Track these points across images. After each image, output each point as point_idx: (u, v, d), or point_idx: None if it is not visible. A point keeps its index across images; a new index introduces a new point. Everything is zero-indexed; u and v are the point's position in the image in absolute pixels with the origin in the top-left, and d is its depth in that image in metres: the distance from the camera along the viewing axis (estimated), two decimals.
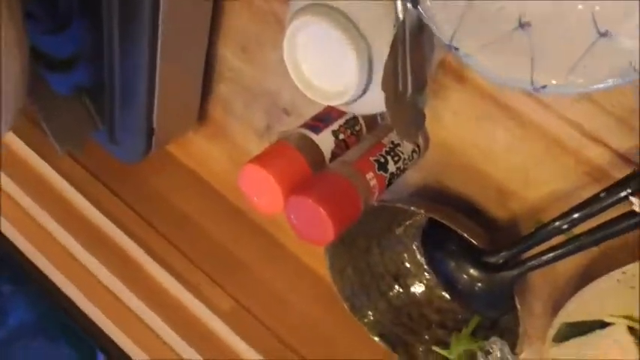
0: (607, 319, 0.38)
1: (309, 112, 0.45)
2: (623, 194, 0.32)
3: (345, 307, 0.49)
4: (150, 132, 0.52)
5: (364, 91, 0.36)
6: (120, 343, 0.57)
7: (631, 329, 0.38)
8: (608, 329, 0.38)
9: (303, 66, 0.37)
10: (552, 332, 0.39)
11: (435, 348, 0.45)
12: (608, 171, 0.37)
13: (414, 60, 0.34)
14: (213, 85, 0.55)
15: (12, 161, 0.60)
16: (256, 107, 0.53)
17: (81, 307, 0.59)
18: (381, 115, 0.44)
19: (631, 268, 0.34)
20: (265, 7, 0.47)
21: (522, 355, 0.42)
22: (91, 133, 0.53)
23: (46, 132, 0.51)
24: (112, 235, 0.58)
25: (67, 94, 0.51)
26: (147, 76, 0.47)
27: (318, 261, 0.55)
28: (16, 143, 0.60)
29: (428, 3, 0.32)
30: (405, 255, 0.49)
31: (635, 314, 0.38)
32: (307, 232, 0.38)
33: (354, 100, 0.37)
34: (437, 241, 0.42)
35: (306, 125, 0.42)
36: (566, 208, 0.38)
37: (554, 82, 0.30)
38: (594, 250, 0.39)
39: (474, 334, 0.45)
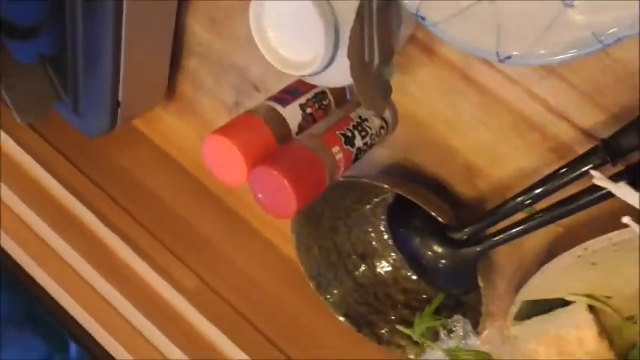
0: (568, 298, 0.38)
1: (278, 88, 0.45)
2: (583, 169, 0.31)
3: (311, 285, 0.48)
4: (115, 105, 0.50)
5: (331, 62, 0.35)
6: (85, 325, 0.56)
7: (591, 307, 0.38)
8: (569, 307, 0.39)
9: (271, 36, 0.36)
10: (514, 310, 0.39)
11: (398, 327, 0.45)
12: (573, 147, 0.37)
13: (381, 30, 0.34)
14: (182, 60, 0.54)
15: None
16: (226, 83, 0.52)
17: (46, 288, 0.57)
18: (350, 90, 0.44)
19: (592, 243, 0.34)
20: None
21: (485, 333, 0.42)
22: (54, 104, 0.52)
23: (7, 101, 0.50)
24: (76, 212, 0.56)
25: (29, 62, 0.50)
26: (111, 46, 0.45)
27: (283, 239, 0.54)
28: None
29: None
30: (373, 234, 0.49)
31: (597, 292, 0.38)
32: (270, 204, 0.38)
33: (321, 71, 0.36)
34: (403, 217, 0.41)
35: (273, 98, 0.42)
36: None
37: (518, 52, 0.30)
38: (559, 227, 0.40)
39: (438, 313, 0.45)
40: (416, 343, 0.45)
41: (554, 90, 0.36)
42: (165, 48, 0.51)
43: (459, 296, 0.42)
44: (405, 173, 0.45)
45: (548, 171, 0.38)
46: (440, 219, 0.38)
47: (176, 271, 0.55)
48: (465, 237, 0.37)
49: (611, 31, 0.27)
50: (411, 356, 0.45)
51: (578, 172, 0.32)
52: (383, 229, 0.47)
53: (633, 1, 0.27)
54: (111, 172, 0.59)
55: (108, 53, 0.46)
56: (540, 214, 0.34)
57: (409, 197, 0.39)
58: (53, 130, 0.59)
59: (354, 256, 0.49)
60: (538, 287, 0.37)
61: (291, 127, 0.41)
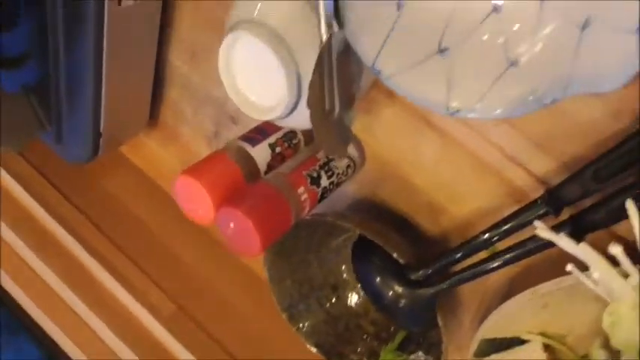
0: (524, 336, 0.39)
1: (254, 122, 0.46)
2: (529, 219, 0.33)
3: (284, 317, 0.49)
4: (97, 135, 0.52)
5: (295, 107, 0.37)
6: (63, 347, 0.57)
7: (546, 346, 0.39)
8: (525, 346, 0.40)
9: (238, 81, 0.38)
10: (473, 348, 0.40)
11: (364, 359, 0.46)
12: (527, 193, 0.38)
13: (341, 78, 0.35)
14: (164, 90, 0.55)
15: None
16: (205, 114, 0.54)
17: (26, 309, 0.59)
18: None
19: (540, 287, 0.35)
20: (211, 14, 0.47)
21: None
22: (37, 133, 0.53)
23: None
24: (58, 235, 0.58)
25: (13, 92, 0.51)
26: (93, 78, 0.47)
27: (261, 266, 0.56)
28: None
29: (352, 27, 0.33)
30: (344, 267, 0.50)
31: (550, 331, 0.39)
32: (237, 243, 0.39)
33: (286, 116, 0.37)
34: (366, 255, 0.43)
35: (244, 137, 0.43)
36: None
37: (466, 106, 0.32)
38: (518, 267, 0.41)
39: (405, 347, 0.46)
40: None
41: (507, 137, 0.37)
42: (146, 79, 0.53)
43: (421, 333, 0.43)
44: (373, 209, 0.46)
45: (506, 212, 0.39)
46: (399, 259, 0.39)
47: (154, 297, 0.56)
48: (423, 277, 0.38)
49: (547, 91, 0.29)
50: None
51: (524, 222, 0.33)
52: (354, 265, 0.49)
53: (564, 66, 0.28)
54: (95, 197, 0.61)
55: (89, 85, 0.48)
56: (495, 258, 0.35)
57: (371, 237, 0.40)
58: (38, 155, 0.60)
59: (325, 288, 0.50)
60: (493, 327, 0.38)
61: (260, 166, 0.42)
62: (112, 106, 0.50)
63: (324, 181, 0.42)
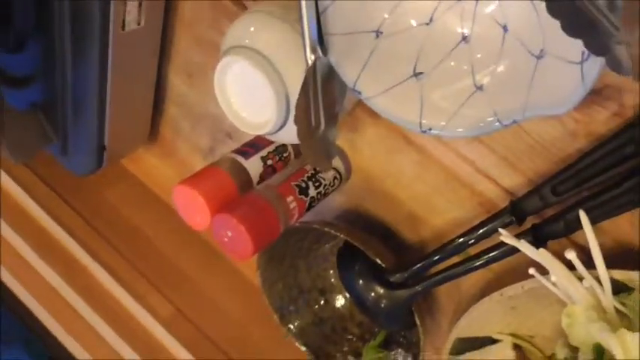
0: (495, 336, 0.43)
1: (249, 137, 0.50)
2: (495, 227, 0.36)
3: (275, 317, 0.53)
4: (101, 149, 0.55)
5: (283, 124, 0.40)
6: (69, 348, 0.60)
7: (516, 346, 0.43)
8: (496, 345, 0.43)
9: (232, 99, 0.41)
10: (448, 346, 0.43)
11: (349, 358, 0.49)
12: (497, 203, 0.41)
13: (326, 98, 0.39)
14: (163, 107, 0.59)
15: None
16: (202, 130, 0.57)
17: (36, 315, 0.62)
18: None
19: (507, 290, 0.38)
20: (207, 36, 0.51)
21: None
22: (45, 146, 0.57)
23: (2, 143, 0.55)
24: (63, 242, 0.61)
25: (22, 109, 0.55)
26: (97, 98, 0.51)
27: (254, 272, 0.59)
28: None
29: (335, 52, 0.37)
30: (331, 271, 0.53)
31: (520, 332, 0.42)
32: (231, 247, 0.42)
33: (276, 132, 0.41)
34: (351, 261, 0.46)
35: (238, 150, 0.47)
36: None
37: (437, 126, 0.35)
38: (490, 272, 0.44)
39: (387, 347, 0.49)
40: None
41: (478, 153, 0.40)
42: (147, 97, 0.56)
43: (401, 333, 0.47)
44: (358, 218, 0.50)
45: (477, 222, 0.43)
46: (381, 263, 0.42)
47: (153, 300, 0.59)
48: (401, 280, 0.42)
49: (507, 113, 0.32)
50: None
51: (492, 229, 0.37)
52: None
53: (522, 91, 0.32)
54: (97, 206, 0.64)
55: (94, 102, 0.51)
56: (463, 263, 0.39)
57: (354, 242, 0.43)
58: (45, 166, 0.64)
59: (313, 292, 0.54)
60: (467, 327, 0.42)
61: (252, 177, 0.45)
62: (115, 122, 0.54)
63: (312, 191, 0.45)
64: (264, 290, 0.52)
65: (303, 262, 0.53)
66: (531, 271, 0.36)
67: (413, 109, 0.36)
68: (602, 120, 0.34)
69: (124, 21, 0.47)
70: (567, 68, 0.30)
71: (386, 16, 0.37)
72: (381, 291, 0.43)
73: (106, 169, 0.58)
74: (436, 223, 0.45)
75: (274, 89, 0.38)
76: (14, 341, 0.69)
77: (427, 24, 0.36)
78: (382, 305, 0.43)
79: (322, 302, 0.54)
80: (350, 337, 0.52)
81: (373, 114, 0.44)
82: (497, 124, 0.33)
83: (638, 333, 0.32)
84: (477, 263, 0.38)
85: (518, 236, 0.36)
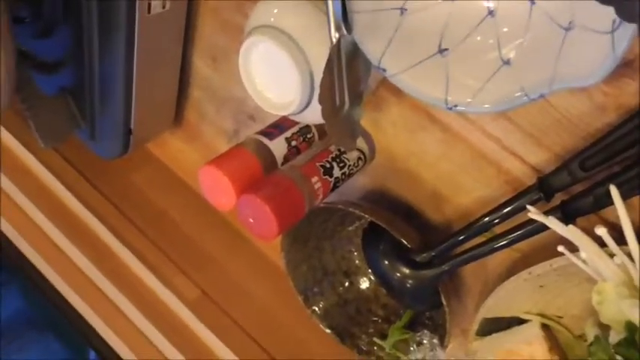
0: (523, 317, 0.42)
1: (273, 118, 0.50)
2: (522, 204, 0.36)
3: (299, 299, 0.53)
4: (127, 132, 0.56)
5: (308, 104, 0.40)
6: (98, 330, 0.62)
7: (544, 326, 0.42)
8: (524, 325, 0.42)
9: (256, 79, 0.42)
10: (475, 327, 0.43)
11: (375, 339, 0.49)
12: (523, 181, 0.41)
13: (351, 77, 0.39)
14: (188, 91, 0.59)
15: (6, 157, 0.64)
16: (226, 113, 0.58)
17: (66, 297, 0.63)
18: None
19: (535, 268, 0.38)
20: (231, 20, 0.51)
21: (450, 347, 0.46)
22: (73, 130, 0.58)
23: (32, 128, 0.56)
24: (91, 225, 0.62)
25: (52, 94, 0.56)
26: (124, 82, 0.51)
27: (279, 254, 0.59)
28: (4, 136, 0.65)
29: (359, 30, 0.37)
30: (355, 253, 0.53)
31: (548, 311, 0.42)
32: (256, 227, 0.43)
33: (300, 111, 0.41)
34: (376, 241, 0.46)
35: (262, 132, 0.47)
36: None
37: (463, 102, 0.35)
38: (517, 252, 0.44)
39: (413, 328, 0.49)
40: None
41: (504, 130, 0.40)
42: (172, 81, 0.57)
43: (427, 312, 0.47)
44: (382, 199, 0.49)
45: (504, 200, 0.42)
46: (406, 243, 0.42)
47: (180, 283, 0.60)
48: (427, 260, 0.42)
49: (534, 87, 0.32)
50: None
51: (519, 207, 0.36)
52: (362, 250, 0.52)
53: (550, 64, 0.31)
54: (124, 190, 0.65)
55: (121, 86, 0.52)
56: (490, 242, 0.38)
57: (379, 223, 0.43)
58: (73, 150, 0.65)
59: (338, 274, 0.54)
60: (493, 307, 0.41)
61: (277, 158, 0.46)
62: (141, 106, 0.54)
63: (337, 172, 0.45)
64: (288, 272, 0.52)
65: (328, 243, 0.53)
66: (560, 248, 0.35)
67: (438, 85, 0.36)
68: (632, 92, 0.33)
69: (149, 4, 0.47)
70: (597, 39, 0.29)
71: None
72: (407, 271, 0.43)
73: (132, 153, 0.59)
74: (461, 202, 0.45)
75: (299, 68, 0.39)
76: (45, 329, 0.70)
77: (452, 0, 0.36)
78: (408, 285, 0.43)
79: (347, 284, 0.54)
80: (375, 318, 0.52)
81: (397, 92, 0.44)
82: (524, 98, 0.32)
83: None
84: (505, 241, 0.38)
85: (546, 213, 0.36)
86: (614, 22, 0.28)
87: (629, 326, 0.34)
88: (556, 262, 0.37)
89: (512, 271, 0.45)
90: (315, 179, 0.44)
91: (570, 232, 0.35)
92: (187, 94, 0.59)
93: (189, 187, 0.65)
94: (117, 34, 0.48)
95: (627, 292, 0.33)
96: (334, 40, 0.36)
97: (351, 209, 0.45)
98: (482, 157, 0.42)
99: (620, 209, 0.33)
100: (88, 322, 0.62)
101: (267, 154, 0.45)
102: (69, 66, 0.54)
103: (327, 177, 0.44)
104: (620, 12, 0.25)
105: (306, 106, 0.40)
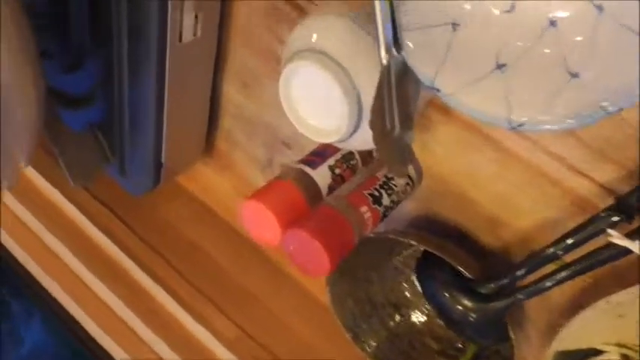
0: (600, 347, 0.39)
1: (310, 146, 0.47)
2: (601, 227, 0.33)
3: (348, 336, 0.50)
4: (158, 166, 0.54)
5: (355, 130, 0.38)
6: None
7: (624, 356, 0.39)
8: (601, 357, 0.39)
9: (298, 106, 0.39)
10: None
11: None
12: (592, 200, 0.38)
13: (400, 99, 0.36)
14: (218, 120, 0.57)
15: (28, 191, 0.62)
16: (258, 140, 0.55)
17: (92, 334, 0.61)
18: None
19: (615, 297, 0.34)
20: (263, 45, 0.49)
21: None
22: (103, 166, 0.56)
23: (61, 165, 0.54)
24: (123, 264, 0.60)
25: (80, 130, 0.54)
26: (155, 113, 0.49)
27: (321, 289, 0.56)
28: (32, 174, 0.63)
29: (410, 49, 0.34)
30: (405, 285, 0.50)
31: (628, 341, 0.39)
32: (305, 264, 0.40)
33: (347, 138, 0.39)
34: (432, 271, 0.43)
35: (303, 160, 0.44)
36: (555, 237, 0.40)
37: (528, 120, 0.32)
38: (587, 278, 0.41)
39: None
40: None
41: (568, 147, 0.37)
42: (203, 111, 0.55)
43: (491, 347, 0.43)
44: (431, 225, 0.47)
45: (570, 223, 0.39)
46: (467, 274, 0.39)
47: (217, 322, 0.58)
48: (493, 291, 0.39)
49: (612, 100, 0.29)
50: None
51: (594, 232, 0.33)
52: (417, 283, 0.49)
53: (627, 73, 0.28)
54: (155, 225, 0.63)
55: (152, 118, 0.50)
56: (566, 268, 0.35)
57: (437, 253, 0.40)
58: (101, 186, 0.63)
59: (387, 307, 0.51)
60: (568, 339, 0.38)
61: (322, 188, 0.43)
62: (172, 137, 0.52)
63: (386, 200, 0.42)
64: (334, 307, 0.49)
65: (375, 275, 0.50)
66: None
67: (499, 103, 0.33)
68: None
69: (180, 33, 0.45)
70: None
71: (462, 6, 0.34)
72: (470, 303, 0.40)
73: (162, 185, 0.57)
74: (521, 226, 0.42)
75: (345, 92, 0.36)
76: None
77: (508, 11, 0.34)
78: (472, 318, 0.40)
79: (397, 318, 0.51)
80: (430, 353, 0.49)
81: (446, 112, 0.42)
82: (601, 112, 0.30)
83: None
84: (579, 268, 0.35)
85: (628, 236, 0.33)
86: None
87: None
88: (637, 289, 0.34)
89: (580, 299, 0.41)
90: (364, 209, 0.41)
91: None
92: (217, 122, 0.58)
93: (222, 219, 0.63)
94: (148, 64, 0.46)
95: None
96: (384, 62, 0.34)
97: (403, 239, 0.42)
98: (543, 176, 0.39)
99: None
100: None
101: (310, 184, 0.43)
102: (97, 99, 0.53)
103: (376, 206, 0.42)
104: None
105: (354, 132, 0.38)
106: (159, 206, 0.63)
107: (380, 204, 0.42)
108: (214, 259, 0.61)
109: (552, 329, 0.44)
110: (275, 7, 0.46)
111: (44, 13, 0.47)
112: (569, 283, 0.41)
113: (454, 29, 0.34)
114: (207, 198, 0.64)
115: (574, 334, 0.37)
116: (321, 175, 0.43)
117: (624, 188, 0.36)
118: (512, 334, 0.39)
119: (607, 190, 0.37)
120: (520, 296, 0.37)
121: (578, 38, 0.32)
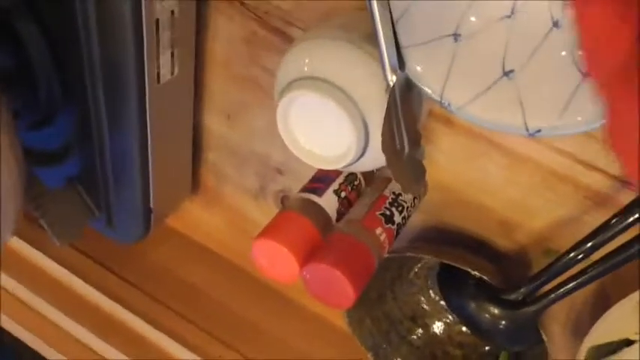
0: (632, 337, 0.39)
1: (303, 170, 0.46)
2: (631, 220, 0.32)
3: (370, 357, 0.49)
4: (148, 213, 0.51)
5: (363, 153, 0.37)
6: None
7: None
8: (635, 346, 0.39)
9: (300, 138, 0.38)
10: (581, 357, 0.40)
11: None
12: (608, 194, 0.38)
13: (407, 117, 0.35)
14: (202, 154, 0.55)
15: (13, 260, 0.59)
16: (248, 170, 0.54)
17: None
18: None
19: None
20: (244, 73, 0.48)
21: None
22: (88, 221, 0.53)
23: (44, 227, 0.51)
24: (123, 319, 0.57)
25: (58, 186, 0.51)
26: (139, 160, 0.47)
27: (332, 311, 0.55)
28: (15, 242, 0.59)
29: (413, 65, 0.33)
30: (420, 296, 0.49)
31: None
32: (327, 297, 0.39)
33: (355, 162, 0.37)
34: (452, 282, 0.42)
35: (307, 189, 0.43)
36: (572, 234, 0.39)
37: (546, 125, 0.32)
38: None
39: None
40: None
41: (578, 144, 0.37)
42: (187, 147, 0.53)
43: (522, 352, 0.43)
44: (440, 235, 0.46)
45: (586, 218, 0.39)
46: (492, 282, 0.39)
47: (226, 358, 0.55)
48: (521, 297, 0.38)
49: None
50: None
51: (626, 223, 0.33)
52: (432, 292, 0.48)
53: None
54: (148, 272, 0.60)
55: (136, 164, 0.47)
56: (594, 267, 0.35)
57: (457, 265, 0.40)
58: (85, 240, 0.59)
59: (405, 321, 0.50)
60: (602, 334, 0.38)
61: (331, 214, 0.42)
62: (159, 181, 0.50)
63: (397, 218, 0.41)
64: (352, 329, 0.48)
65: (389, 291, 0.49)
66: None
67: (513, 111, 0.32)
68: None
69: (158, 74, 0.43)
70: None
71: (461, 16, 0.33)
72: (497, 311, 0.39)
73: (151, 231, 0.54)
74: (535, 226, 0.42)
75: (350, 116, 0.35)
76: None
77: (509, 16, 0.33)
78: (501, 326, 0.39)
79: (416, 330, 0.50)
80: None
81: (448, 121, 0.41)
82: None
83: None
84: (607, 267, 0.34)
85: None
86: None
87: None
88: None
89: (601, 289, 0.42)
90: (379, 231, 0.40)
91: None
92: (202, 157, 0.55)
93: (216, 255, 0.60)
94: (127, 112, 0.44)
95: None
96: (391, 84, 0.33)
97: (421, 255, 0.41)
98: (554, 175, 0.39)
99: None
100: None
101: (319, 213, 0.41)
102: (74, 152, 0.50)
103: (389, 225, 0.41)
104: None
105: (362, 155, 0.37)
106: (149, 252, 0.60)
107: (392, 222, 0.41)
108: (215, 297, 0.58)
109: (574, 322, 0.44)
110: (254, 34, 0.45)
111: (5, 70, 0.44)
112: None
113: (456, 40, 0.34)
114: (198, 235, 0.61)
115: (609, 328, 0.37)
116: (328, 202, 0.42)
117: None
118: (545, 337, 0.39)
119: (622, 182, 0.37)
120: (552, 299, 0.36)
121: None
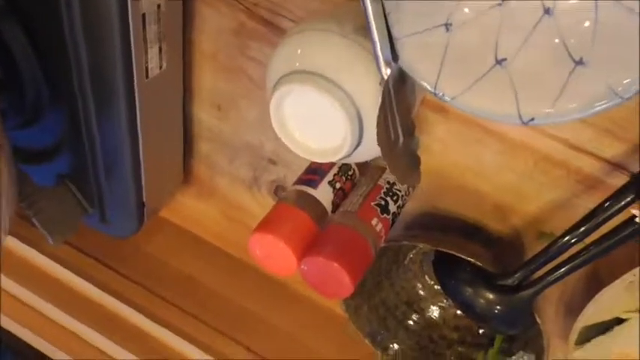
0: (622, 316, 0.40)
1: (296, 159, 0.46)
2: (624, 202, 0.33)
3: (368, 342, 0.49)
4: (141, 206, 0.51)
5: (358, 145, 0.37)
6: None
7: None
8: (625, 324, 0.40)
9: (295, 132, 0.37)
10: (574, 337, 0.40)
11: None
12: (599, 177, 0.38)
13: (401, 109, 0.35)
14: (194, 146, 0.55)
15: (8, 259, 0.58)
16: (240, 161, 0.53)
17: None
18: None
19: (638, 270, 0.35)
20: (233, 64, 0.47)
21: None
22: (81, 218, 0.52)
23: (37, 225, 0.50)
24: (122, 313, 0.57)
25: (50, 184, 0.51)
26: (130, 155, 0.47)
27: (331, 302, 0.55)
28: (9, 240, 0.59)
29: (406, 57, 0.33)
30: (416, 282, 0.50)
31: None
32: (326, 288, 0.39)
33: (351, 154, 0.37)
34: (447, 267, 0.43)
35: (301, 181, 0.43)
36: (565, 216, 0.40)
37: (541, 113, 0.32)
38: None
39: (503, 349, 0.46)
40: None
41: (571, 129, 0.37)
42: (177, 140, 0.52)
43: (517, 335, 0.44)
44: (434, 220, 0.46)
45: (578, 201, 0.40)
46: (487, 268, 0.39)
47: (227, 349, 0.56)
48: (516, 282, 0.39)
49: (624, 84, 0.29)
50: None
51: (619, 207, 0.33)
52: (427, 277, 0.49)
53: (635, 55, 0.28)
54: (145, 265, 0.60)
55: (128, 159, 0.47)
56: (588, 250, 0.36)
57: (452, 252, 0.40)
58: (79, 237, 0.59)
59: (401, 306, 0.50)
60: (594, 314, 0.39)
61: (326, 206, 0.42)
62: (150, 175, 0.50)
63: (392, 207, 0.42)
64: (349, 317, 0.49)
65: (385, 278, 0.49)
66: None
67: (506, 100, 0.32)
68: None
69: (147, 68, 0.42)
70: None
71: (452, 5, 0.33)
72: (493, 297, 0.40)
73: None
74: (529, 210, 0.42)
75: (344, 109, 0.35)
76: None
77: (499, 4, 0.33)
78: (496, 311, 0.40)
79: (412, 315, 0.50)
80: (450, 343, 0.49)
81: (441, 109, 0.41)
82: (617, 99, 0.29)
83: None
84: (601, 249, 0.35)
85: None
86: None
87: None
88: None
89: (594, 271, 0.42)
90: (374, 221, 0.40)
91: None
92: (193, 149, 0.55)
93: (211, 245, 0.60)
94: (117, 108, 0.43)
95: None
96: (385, 76, 0.33)
97: (418, 243, 0.42)
98: (547, 159, 0.39)
99: None
100: None
101: (314, 205, 0.41)
102: (64, 149, 0.49)
103: (385, 215, 0.41)
104: None
105: (357, 147, 0.37)
106: (143, 245, 0.60)
107: (388, 212, 0.41)
108: (212, 287, 0.59)
109: (566, 302, 0.45)
110: (243, 25, 0.44)
111: None
112: None
113: (447, 30, 0.33)
114: (193, 227, 0.61)
115: (599, 310, 0.38)
116: (324, 193, 0.42)
117: (630, 162, 0.36)
118: (539, 320, 0.39)
119: (613, 165, 0.37)
120: (547, 283, 0.37)
121: (577, 24, 0.31)
